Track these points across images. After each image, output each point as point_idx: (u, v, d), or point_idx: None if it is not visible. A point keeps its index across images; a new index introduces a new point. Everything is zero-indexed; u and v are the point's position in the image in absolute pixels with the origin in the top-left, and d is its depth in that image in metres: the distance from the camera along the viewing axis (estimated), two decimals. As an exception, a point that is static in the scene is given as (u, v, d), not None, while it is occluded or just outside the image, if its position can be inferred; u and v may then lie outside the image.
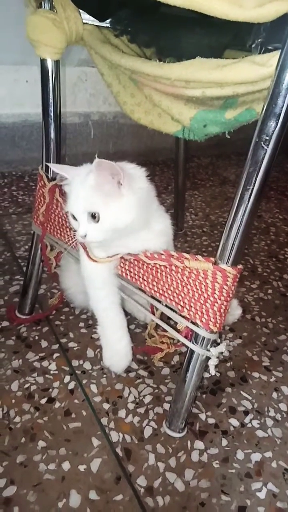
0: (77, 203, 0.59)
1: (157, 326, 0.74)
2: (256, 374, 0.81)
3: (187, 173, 1.82)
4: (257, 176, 0.52)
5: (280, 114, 0.48)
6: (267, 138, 0.49)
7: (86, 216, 0.58)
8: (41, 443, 0.63)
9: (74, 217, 0.61)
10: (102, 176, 0.55)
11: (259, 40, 0.54)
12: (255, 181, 0.52)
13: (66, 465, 0.61)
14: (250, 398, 0.76)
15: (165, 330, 0.66)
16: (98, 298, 0.70)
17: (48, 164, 0.69)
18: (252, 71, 0.51)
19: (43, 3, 0.66)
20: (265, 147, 0.50)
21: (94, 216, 0.57)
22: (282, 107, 0.48)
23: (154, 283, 0.65)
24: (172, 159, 1.77)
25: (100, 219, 0.57)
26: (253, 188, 0.53)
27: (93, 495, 0.57)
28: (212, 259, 0.59)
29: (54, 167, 0.66)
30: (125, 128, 1.79)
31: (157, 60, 0.61)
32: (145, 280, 0.66)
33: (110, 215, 0.57)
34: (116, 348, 0.71)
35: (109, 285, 0.69)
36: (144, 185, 0.61)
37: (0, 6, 1.31)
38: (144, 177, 0.63)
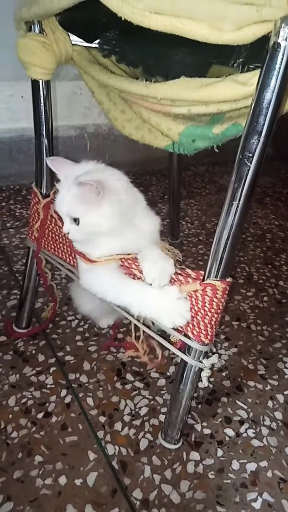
0: (61, 206, 0.64)
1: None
2: (251, 383, 0.82)
3: (183, 181, 1.84)
4: (242, 191, 0.53)
5: (261, 131, 0.50)
6: (250, 155, 0.51)
7: (68, 218, 0.63)
8: (38, 458, 0.64)
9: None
10: (85, 189, 0.60)
11: (241, 59, 0.56)
12: (240, 196, 0.53)
13: (62, 480, 0.61)
14: (245, 407, 0.76)
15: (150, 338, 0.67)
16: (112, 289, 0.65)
17: (47, 159, 0.70)
18: (234, 89, 0.53)
19: (33, 26, 0.68)
20: (249, 164, 0.51)
21: (75, 220, 0.62)
22: (263, 125, 0.49)
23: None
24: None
25: (80, 223, 0.62)
26: (238, 203, 0.54)
27: (89, 509, 0.58)
28: (202, 272, 0.60)
29: (50, 162, 0.68)
30: (121, 139, 1.82)
31: (144, 79, 0.63)
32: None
33: (89, 221, 0.62)
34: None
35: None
36: (123, 196, 0.64)
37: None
38: (124, 188, 0.64)
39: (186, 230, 1.43)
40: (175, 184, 1.28)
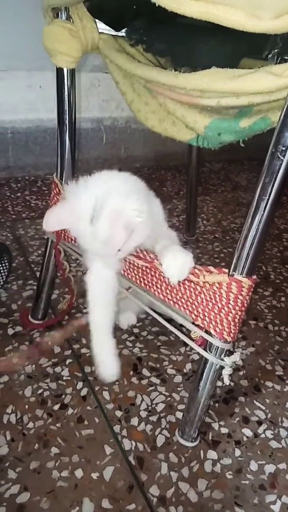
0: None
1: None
2: (269, 384, 0.80)
3: (199, 178, 1.82)
4: (273, 186, 0.52)
5: (297, 124, 0.48)
6: (284, 148, 0.49)
7: None
8: (54, 450, 0.64)
9: None
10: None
11: (276, 50, 0.54)
12: (271, 191, 0.52)
13: (79, 473, 0.61)
14: (263, 408, 0.75)
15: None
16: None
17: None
18: (268, 81, 0.51)
19: (60, 13, 0.67)
20: (282, 158, 0.50)
21: None
22: (299, 118, 0.48)
23: (168, 292, 0.65)
24: (184, 164, 1.78)
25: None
26: (268, 198, 0.52)
27: (106, 503, 0.57)
28: (225, 269, 0.59)
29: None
30: (137, 133, 1.80)
31: (172, 69, 0.61)
32: (158, 288, 0.66)
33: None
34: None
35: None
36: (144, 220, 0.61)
37: (14, 12, 1.33)
38: (145, 211, 0.61)
39: (202, 227, 1.42)
40: (192, 180, 1.26)
